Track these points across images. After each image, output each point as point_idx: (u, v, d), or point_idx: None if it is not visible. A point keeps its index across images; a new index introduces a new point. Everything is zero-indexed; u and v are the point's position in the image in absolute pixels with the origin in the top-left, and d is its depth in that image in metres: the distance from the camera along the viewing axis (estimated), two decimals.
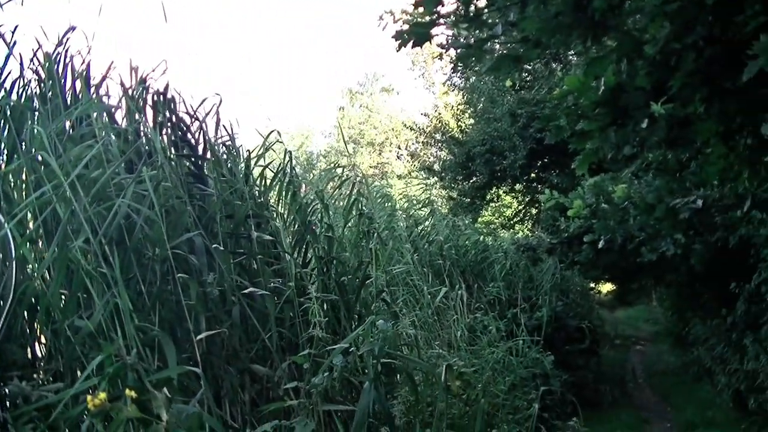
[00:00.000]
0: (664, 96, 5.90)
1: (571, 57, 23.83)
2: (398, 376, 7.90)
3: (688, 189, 12.05)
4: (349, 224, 10.19)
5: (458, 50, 6.19)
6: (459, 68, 31.47)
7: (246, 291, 7.39)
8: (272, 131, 9.42)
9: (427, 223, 16.38)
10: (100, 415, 4.48)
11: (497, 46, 6.23)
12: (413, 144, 42.69)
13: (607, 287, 39.53)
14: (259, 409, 7.18)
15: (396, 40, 5.68)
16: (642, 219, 13.19)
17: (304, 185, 10.13)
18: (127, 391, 4.52)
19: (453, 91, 36.15)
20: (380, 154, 60.09)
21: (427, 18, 5.58)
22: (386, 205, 14.67)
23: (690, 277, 16.76)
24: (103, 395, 4.42)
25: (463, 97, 34.01)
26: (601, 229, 14.53)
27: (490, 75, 6.54)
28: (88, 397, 4.40)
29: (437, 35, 5.83)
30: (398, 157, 52.89)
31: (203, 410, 5.83)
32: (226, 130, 9.15)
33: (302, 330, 7.67)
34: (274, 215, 8.90)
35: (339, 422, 7.20)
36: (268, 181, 9.26)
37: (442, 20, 5.65)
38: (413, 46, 5.74)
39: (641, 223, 13.53)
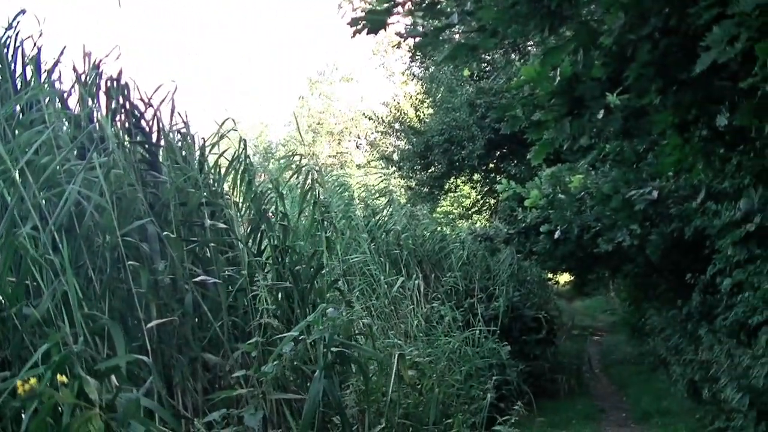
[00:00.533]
0: (619, 87, 5.89)
1: (530, 47, 23.86)
2: (352, 365, 7.84)
3: (644, 180, 12.09)
4: (306, 213, 10.12)
5: (415, 39, 6.14)
6: (417, 57, 31.44)
7: (197, 279, 7.32)
8: (226, 119, 9.34)
9: (384, 212, 16.33)
10: (31, 401, 4.42)
11: (456, 36, 6.21)
12: (372, 134, 42.54)
13: (564, 278, 39.66)
14: (208, 397, 7.13)
15: (351, 27, 5.63)
16: (598, 209, 13.23)
17: (263, 174, 10.07)
18: (59, 376, 4.45)
19: (412, 80, 36.06)
20: (339, 143, 59.88)
21: (383, 6, 5.53)
22: (344, 194, 14.62)
23: (646, 267, 16.82)
24: (33, 381, 4.36)
25: (422, 87, 33.96)
26: (557, 220, 14.54)
27: (447, 64, 6.52)
28: (18, 382, 4.34)
29: (395, 23, 5.78)
30: (357, 147, 52.76)
31: (153, 399, 5.78)
32: (181, 117, 9.08)
33: (255, 318, 7.61)
34: (229, 203, 8.80)
35: (289, 411, 7.14)
36: (223, 170, 9.18)
37: (398, 8, 5.61)
38: (368, 34, 5.69)
39: (597, 213, 13.56)
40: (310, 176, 9.93)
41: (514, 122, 6.35)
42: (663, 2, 5.35)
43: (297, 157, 11.97)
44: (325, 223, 10.00)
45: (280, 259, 8.58)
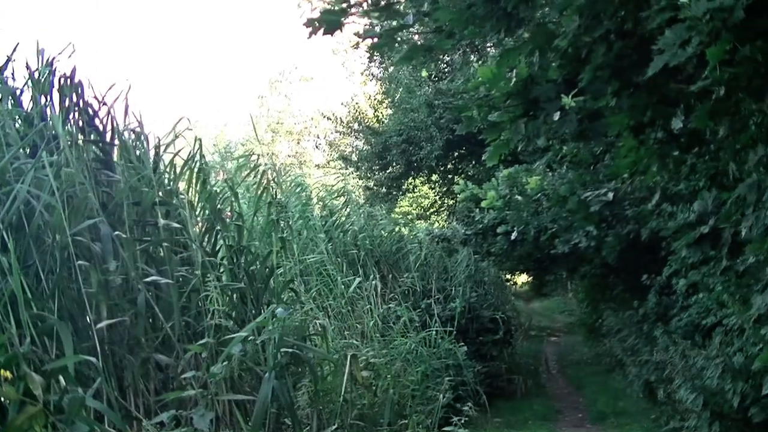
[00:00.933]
0: (575, 89, 5.89)
1: (489, 48, 23.92)
2: (307, 366, 7.80)
3: (601, 182, 12.14)
4: (261, 213, 10.07)
5: (373, 40, 6.11)
6: (376, 58, 31.40)
7: (149, 279, 7.26)
8: (181, 118, 9.27)
9: (342, 212, 16.30)
10: None
11: (416, 37, 6.20)
12: (332, 134, 42.49)
13: (523, 279, 39.84)
14: (158, 398, 7.07)
15: (307, 27, 5.60)
16: (554, 211, 13.26)
17: (222, 173, 10.00)
18: (4, 371, 4.40)
19: (371, 81, 36.04)
20: (299, 143, 59.68)
21: (339, 6, 5.51)
22: (301, 194, 14.57)
23: (603, 269, 16.91)
24: None
25: (381, 87, 33.95)
26: (514, 221, 14.57)
27: (402, 65, 6.50)
28: None
29: (354, 24, 5.76)
30: (317, 147, 52.61)
31: (102, 400, 5.73)
32: (135, 116, 9.00)
33: (207, 319, 7.56)
34: (184, 203, 8.72)
35: (241, 412, 7.10)
36: (178, 169, 9.10)
37: (354, 9, 5.59)
38: (324, 34, 5.66)
39: (554, 215, 13.60)
40: (265, 176, 9.86)
41: (470, 123, 6.35)
42: (616, 5, 5.36)
43: (254, 157, 11.84)
44: (281, 223, 9.93)
45: (234, 260, 8.52)
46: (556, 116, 5.96)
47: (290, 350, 7.44)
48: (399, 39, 5.92)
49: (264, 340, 6.98)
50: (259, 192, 9.69)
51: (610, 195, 11.66)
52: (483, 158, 6.93)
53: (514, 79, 6.03)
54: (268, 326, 6.88)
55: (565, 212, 12.82)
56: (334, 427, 7.72)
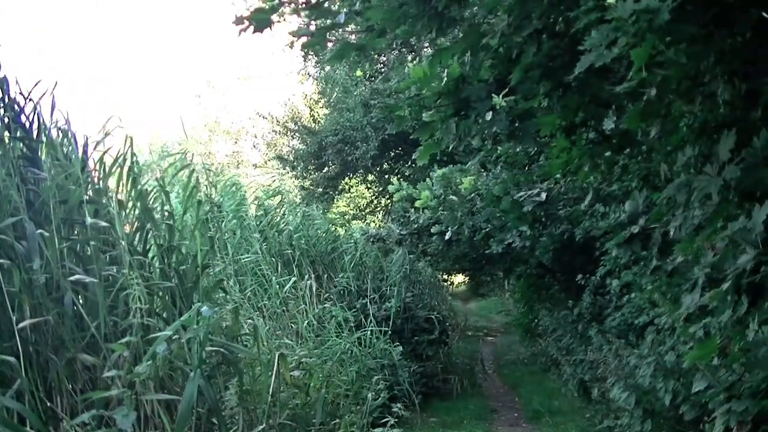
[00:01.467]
0: (506, 88, 5.90)
1: (425, 49, 23.97)
2: (233, 365, 7.73)
3: (535, 182, 12.20)
4: (192, 212, 9.96)
5: (305, 38, 6.07)
6: (311, 57, 31.33)
7: (73, 278, 7.15)
8: (111, 116, 9.15)
9: (277, 212, 16.23)
10: None
11: (352, 36, 6.17)
12: (269, 133, 42.30)
13: (460, 279, 39.99)
14: (82, 398, 6.98)
15: (237, 26, 5.54)
16: (488, 211, 13.30)
17: (158, 172, 9.85)
18: None
19: (308, 80, 35.98)
20: (236, 142, 59.38)
21: (270, 4, 5.46)
22: (236, 194, 14.49)
23: (539, 269, 17.02)
24: None
25: (317, 87, 33.91)
26: (448, 220, 14.60)
27: (333, 63, 6.47)
28: None
29: (286, 23, 5.72)
30: (254, 146, 52.38)
31: (24, 400, 5.64)
32: (62, 114, 8.87)
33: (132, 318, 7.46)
34: (112, 201, 8.59)
35: (167, 412, 7.02)
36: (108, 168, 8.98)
37: (286, 8, 5.54)
38: (254, 32, 5.60)
39: (488, 215, 13.65)
40: (195, 174, 9.75)
41: (401, 122, 6.33)
42: (546, 5, 5.37)
43: (189, 156, 11.72)
44: (211, 222, 9.86)
45: (165, 259, 8.43)
46: (488, 116, 5.96)
47: (216, 349, 7.39)
48: (332, 38, 5.89)
49: (189, 338, 6.91)
50: (189, 191, 9.57)
51: (543, 195, 11.73)
52: (413, 157, 6.93)
53: (445, 79, 6.02)
54: (192, 325, 6.82)
55: (498, 212, 12.87)
56: (261, 427, 7.67)
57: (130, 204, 8.88)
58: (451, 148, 6.53)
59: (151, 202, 8.96)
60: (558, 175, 8.99)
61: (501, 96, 5.93)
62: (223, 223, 12.90)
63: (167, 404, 7.22)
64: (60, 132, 8.77)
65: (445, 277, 31.69)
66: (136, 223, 8.97)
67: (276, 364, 8.06)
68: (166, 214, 8.89)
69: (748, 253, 4.46)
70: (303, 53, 30.80)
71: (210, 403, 7.03)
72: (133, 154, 8.86)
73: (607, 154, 7.11)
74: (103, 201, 8.38)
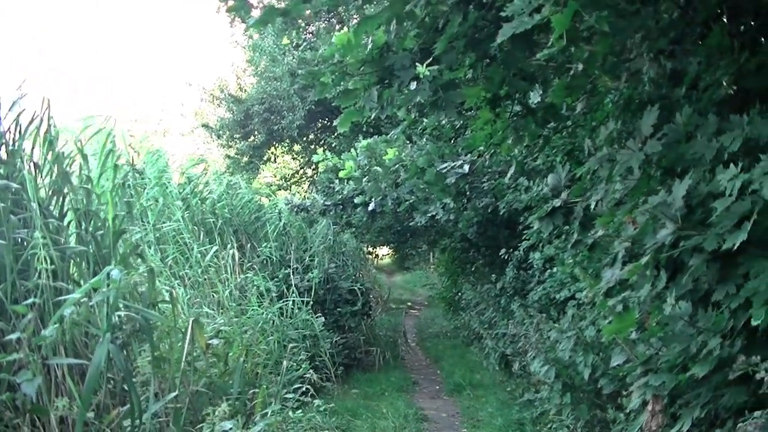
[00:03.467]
0: (431, 58, 5.86)
1: (355, 19, 23.87)
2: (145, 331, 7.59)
3: (459, 155, 12.20)
4: (113, 177, 9.77)
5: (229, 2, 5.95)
6: (236, 24, 31.07)
7: None
8: (25, 79, 8.90)
9: (200, 180, 16.04)
10: None
11: (283, 4, 6.06)
12: (199, 101, 41.94)
13: (385, 252, 40.12)
14: None
15: None
16: (412, 182, 13.29)
17: (83, 139, 9.60)
18: None
19: (236, 48, 35.67)
20: (164, 110, 58.87)
21: None
22: (159, 161, 14.29)
23: (464, 243, 17.09)
24: None
25: (245, 55, 33.65)
26: (372, 191, 14.57)
27: (257, 28, 6.36)
28: None
29: None
30: (182, 115, 51.96)
31: None
32: None
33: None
34: (25, 164, 8.35)
35: (73, 378, 6.89)
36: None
37: None
38: None
39: (411, 186, 13.65)
40: (112, 137, 9.54)
41: (323, 89, 6.25)
42: None
43: (110, 120, 11.43)
44: (129, 187, 9.68)
45: (82, 224, 8.25)
46: (412, 85, 5.91)
47: (129, 314, 7.27)
48: (259, 4, 5.80)
49: (98, 302, 6.78)
50: (106, 154, 9.36)
51: (466, 167, 11.75)
52: (329, 122, 6.88)
53: (369, 47, 5.95)
54: (102, 288, 6.69)
55: (422, 184, 12.86)
56: (174, 394, 7.57)
57: (47, 168, 8.66)
58: (373, 116, 6.47)
59: (69, 167, 8.75)
60: (482, 148, 8.96)
61: (425, 65, 5.87)
62: (146, 191, 12.71)
63: (82, 371, 7.09)
64: None
65: (371, 249, 31.75)
66: (52, 187, 8.76)
67: (190, 330, 7.95)
68: (85, 178, 8.69)
69: (668, 227, 4.46)
70: (229, 19, 30.54)
71: (120, 368, 6.92)
72: (50, 117, 8.64)
73: (532, 127, 7.09)
74: (17, 163, 8.16)
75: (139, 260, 8.95)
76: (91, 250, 7.97)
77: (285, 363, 10.55)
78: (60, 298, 6.92)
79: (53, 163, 8.45)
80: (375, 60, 5.97)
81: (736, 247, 3.87)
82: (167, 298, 8.86)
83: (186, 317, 8.99)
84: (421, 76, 5.86)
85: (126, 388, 7.14)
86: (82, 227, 8.18)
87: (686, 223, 4.35)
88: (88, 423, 6.72)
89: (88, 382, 6.39)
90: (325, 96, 6.51)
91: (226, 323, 10.30)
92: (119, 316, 7.15)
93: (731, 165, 4.01)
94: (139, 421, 6.85)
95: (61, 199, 8.48)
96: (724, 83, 5.17)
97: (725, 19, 5.39)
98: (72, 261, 7.77)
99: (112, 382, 7.30)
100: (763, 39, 5.32)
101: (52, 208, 8.29)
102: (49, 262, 6.97)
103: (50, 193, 8.54)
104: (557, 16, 4.10)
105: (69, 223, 8.34)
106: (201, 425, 7.92)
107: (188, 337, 7.93)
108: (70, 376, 6.95)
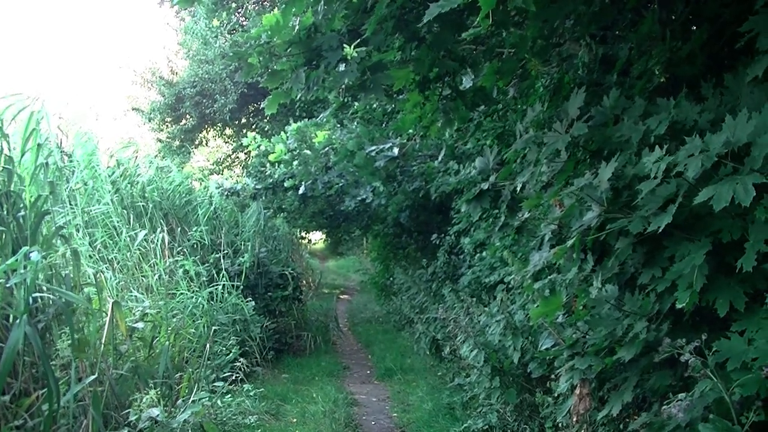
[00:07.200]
0: (359, 39, 5.82)
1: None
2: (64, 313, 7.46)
3: (389, 138, 12.19)
4: (35, 156, 9.58)
5: None
6: (164, 3, 30.81)
7: None
8: None
9: (130, 164, 15.83)
10: None
11: None
12: (131, 85, 41.59)
13: (319, 237, 40.11)
14: None
15: None
16: (342, 166, 13.26)
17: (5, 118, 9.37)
18: None
19: (168, 30, 35.41)
20: (95, 94, 58.26)
21: None
22: (88, 143, 14.07)
23: (396, 228, 17.09)
24: None
25: (178, 38, 33.42)
26: (302, 175, 14.52)
27: (184, 7, 6.26)
28: None
29: None
30: (113, 98, 51.50)
31: None
32: None
33: None
34: None
35: None
36: None
37: None
38: None
39: (341, 170, 13.62)
40: (36, 117, 9.32)
41: (250, 70, 6.18)
42: None
43: (36, 100, 11.18)
44: (51, 167, 9.49)
45: (3, 205, 8.09)
46: (341, 67, 5.86)
47: (48, 296, 7.16)
48: None
49: (16, 283, 6.66)
50: (28, 133, 9.15)
51: (396, 150, 11.73)
52: (261, 106, 6.80)
53: (297, 27, 5.89)
54: (19, 269, 6.57)
55: (352, 167, 12.82)
56: (92, 377, 7.46)
57: None
58: (300, 98, 6.43)
59: None
60: (411, 131, 8.95)
61: (353, 47, 5.82)
62: (74, 174, 12.51)
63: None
64: None
65: (303, 234, 31.67)
66: None
67: (110, 313, 7.84)
68: (6, 158, 8.51)
69: (594, 210, 4.46)
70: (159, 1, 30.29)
71: (37, 351, 6.80)
72: None
73: (462, 109, 7.09)
74: None
75: (64, 242, 8.79)
76: (12, 231, 7.80)
77: (210, 346, 10.48)
78: None
79: None
80: (302, 41, 5.92)
81: (661, 230, 3.87)
82: (90, 280, 8.73)
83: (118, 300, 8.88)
84: (349, 57, 5.82)
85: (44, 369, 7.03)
86: (4, 208, 8.01)
87: (612, 206, 4.36)
88: (2, 407, 6.63)
89: (4, 363, 6.27)
90: (254, 78, 6.44)
91: (153, 306, 10.18)
92: (40, 299, 7.03)
93: (656, 147, 4.01)
94: (57, 405, 6.74)
95: None
96: (656, 72, 5.20)
97: (656, 6, 5.42)
98: None
99: (35, 367, 7.19)
100: (694, 27, 5.35)
101: None
102: None
103: None
104: None
105: None
106: (127, 411, 7.83)
107: (108, 320, 7.82)
108: None
